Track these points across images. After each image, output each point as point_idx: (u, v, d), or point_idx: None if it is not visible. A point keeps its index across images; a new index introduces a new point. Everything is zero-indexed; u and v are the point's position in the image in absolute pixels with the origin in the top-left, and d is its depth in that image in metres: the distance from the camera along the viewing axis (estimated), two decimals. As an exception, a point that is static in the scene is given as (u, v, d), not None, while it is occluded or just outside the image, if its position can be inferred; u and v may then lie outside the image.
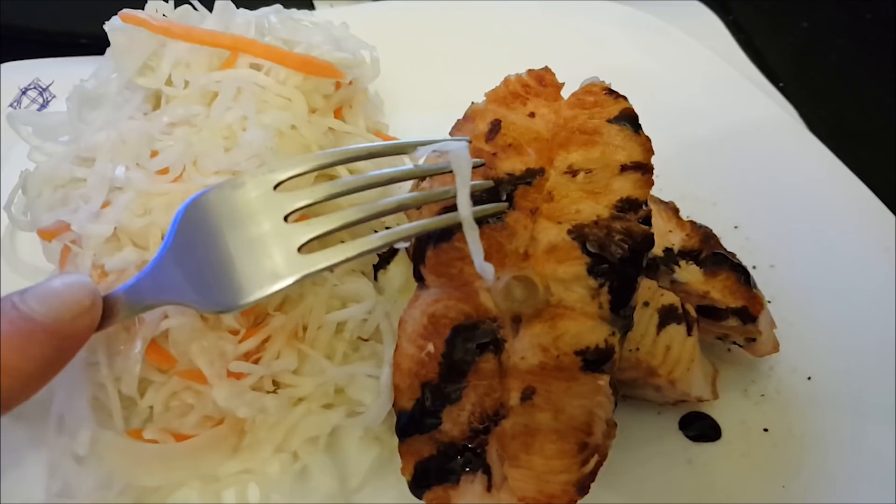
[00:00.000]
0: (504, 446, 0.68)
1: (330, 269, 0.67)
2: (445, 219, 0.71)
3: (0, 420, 0.75)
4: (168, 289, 0.64)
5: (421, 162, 0.76)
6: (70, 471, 0.74)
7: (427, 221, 0.72)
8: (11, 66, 1.19)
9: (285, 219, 0.66)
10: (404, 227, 0.71)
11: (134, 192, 0.77)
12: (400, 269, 0.96)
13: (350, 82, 0.92)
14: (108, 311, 0.63)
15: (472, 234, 0.68)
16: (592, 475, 0.68)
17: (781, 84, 1.26)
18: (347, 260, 0.67)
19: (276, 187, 0.67)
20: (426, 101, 1.13)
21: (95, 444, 0.74)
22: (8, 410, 0.59)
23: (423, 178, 0.79)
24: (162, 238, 0.76)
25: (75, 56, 1.20)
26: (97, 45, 0.96)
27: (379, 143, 0.77)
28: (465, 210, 0.68)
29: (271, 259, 0.65)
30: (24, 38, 1.28)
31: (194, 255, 0.65)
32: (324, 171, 0.73)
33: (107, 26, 0.89)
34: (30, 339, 0.58)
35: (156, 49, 0.86)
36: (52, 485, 0.74)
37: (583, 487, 0.67)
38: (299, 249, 0.66)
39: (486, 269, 0.69)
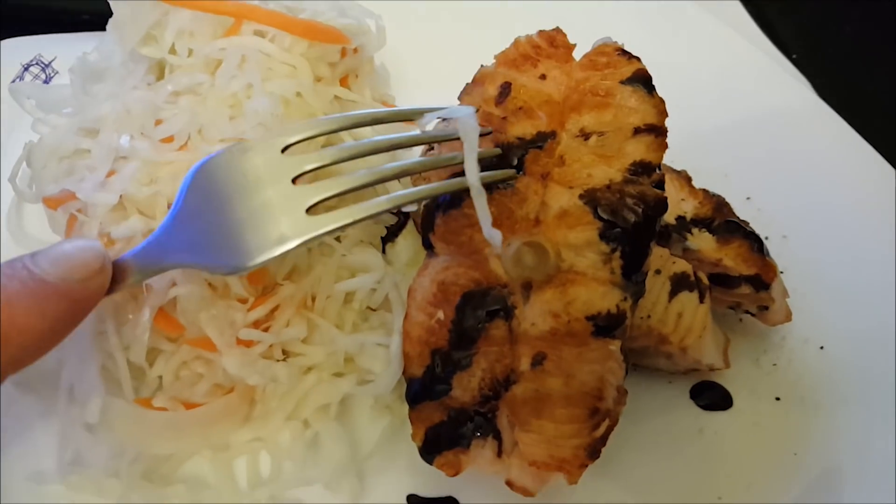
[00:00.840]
0: (515, 412, 0.68)
1: (339, 230, 0.67)
2: (453, 183, 0.71)
3: (10, 387, 0.76)
4: (177, 252, 0.64)
5: (428, 129, 0.75)
6: (81, 440, 0.74)
7: (434, 185, 0.72)
8: (13, 43, 1.18)
9: (293, 182, 0.67)
10: (412, 191, 0.71)
11: (139, 162, 0.76)
12: (408, 242, 0.96)
13: (355, 50, 0.91)
14: (117, 276, 0.63)
15: (480, 201, 0.68)
16: (603, 440, 0.68)
17: (794, 56, 1.25)
18: (356, 222, 0.67)
19: (283, 151, 0.68)
20: (433, 73, 1.11)
21: (106, 413, 0.74)
22: (20, 369, 0.60)
23: (430, 145, 0.78)
24: (168, 206, 0.75)
25: (77, 32, 1.20)
26: (99, 21, 0.95)
27: (386, 109, 0.76)
28: (473, 176, 0.68)
29: (280, 221, 0.65)
30: (25, 14, 1.26)
31: (203, 219, 0.65)
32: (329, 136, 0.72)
33: (111, -1, 0.88)
34: (43, 300, 0.58)
35: (159, 18, 0.86)
36: (64, 454, 0.74)
37: (594, 452, 0.67)
38: (307, 211, 0.66)
39: (494, 235, 0.69)
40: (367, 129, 0.80)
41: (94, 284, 0.61)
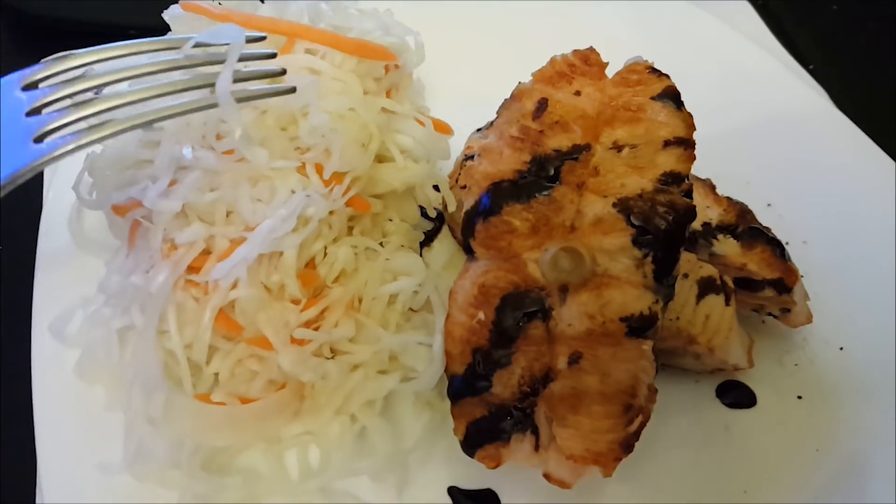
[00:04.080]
0: (552, 408, 0.72)
1: (62, 156, 0.67)
2: (201, 101, 0.71)
3: (77, 380, 0.80)
4: None
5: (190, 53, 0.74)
6: (145, 433, 0.79)
7: (184, 102, 0.71)
8: (64, 57, 1.23)
9: (28, 115, 0.68)
10: (156, 108, 0.70)
11: (200, 171, 0.81)
12: (444, 247, 1.01)
13: (397, 66, 0.96)
14: None
15: (230, 111, 0.71)
16: (637, 435, 0.72)
17: (811, 66, 1.28)
18: (81, 146, 0.68)
19: (25, 88, 0.69)
20: (464, 85, 1.17)
21: (168, 407, 0.79)
22: None
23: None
24: (226, 214, 0.81)
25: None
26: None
27: (145, 39, 0.73)
28: (223, 85, 0.70)
29: (6, 151, 0.66)
30: (72, 29, 1.32)
31: None
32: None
33: (166, 15, 0.93)
34: None
35: (214, 36, 0.90)
36: (129, 446, 0.79)
37: (628, 446, 0.71)
38: (37, 140, 0.67)
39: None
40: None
41: None
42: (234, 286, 0.78)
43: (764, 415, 0.89)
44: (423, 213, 0.99)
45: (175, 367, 0.81)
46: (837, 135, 1.12)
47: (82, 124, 0.69)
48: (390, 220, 0.94)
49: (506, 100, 0.83)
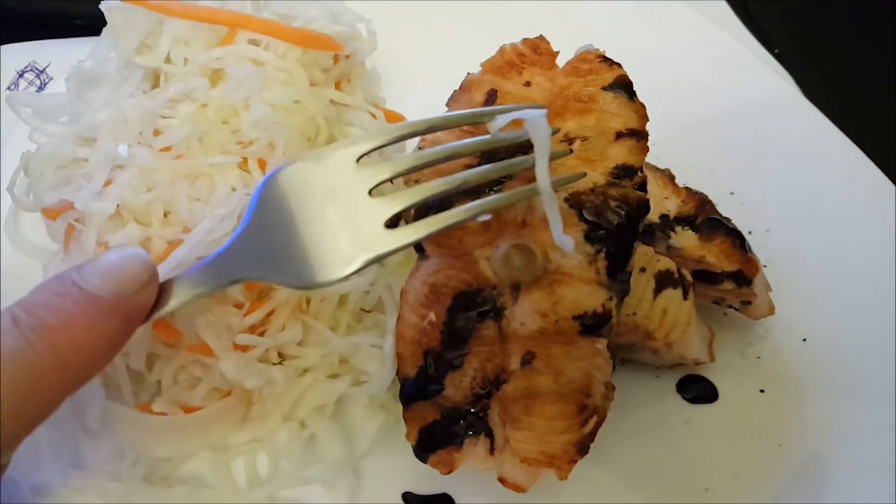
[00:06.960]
0: (506, 409, 0.70)
1: (418, 242, 0.66)
2: (525, 190, 0.70)
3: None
4: (246, 266, 0.63)
5: (498, 131, 0.71)
6: (82, 443, 0.75)
7: (509, 194, 0.70)
8: (7, 49, 1.19)
9: (369, 193, 0.65)
10: (487, 200, 0.69)
11: (136, 170, 0.77)
12: (401, 242, 0.98)
13: (347, 56, 0.92)
14: (164, 295, 0.62)
15: (552, 206, 0.66)
16: (592, 435, 0.70)
17: (777, 51, 1.26)
18: (434, 233, 0.66)
19: (358, 160, 0.66)
20: (423, 73, 1.14)
21: (106, 417, 0.75)
22: (79, 388, 0.58)
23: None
24: (164, 215, 0.77)
25: (71, 37, 1.21)
26: (93, 25, 0.96)
27: (454, 112, 0.72)
28: (545, 181, 0.66)
29: (358, 235, 0.64)
30: (18, 20, 1.27)
31: (274, 232, 0.63)
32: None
33: (103, 5, 0.89)
34: (98, 318, 0.56)
35: (153, 27, 0.87)
36: (64, 456, 0.76)
37: (583, 447, 0.69)
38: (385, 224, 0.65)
39: (566, 241, 0.67)
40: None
41: (143, 296, 0.60)
42: (171, 290, 0.74)
43: (726, 409, 0.87)
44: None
45: (115, 375, 0.77)
46: (802, 122, 1.10)
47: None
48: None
49: (455, 91, 0.80)
